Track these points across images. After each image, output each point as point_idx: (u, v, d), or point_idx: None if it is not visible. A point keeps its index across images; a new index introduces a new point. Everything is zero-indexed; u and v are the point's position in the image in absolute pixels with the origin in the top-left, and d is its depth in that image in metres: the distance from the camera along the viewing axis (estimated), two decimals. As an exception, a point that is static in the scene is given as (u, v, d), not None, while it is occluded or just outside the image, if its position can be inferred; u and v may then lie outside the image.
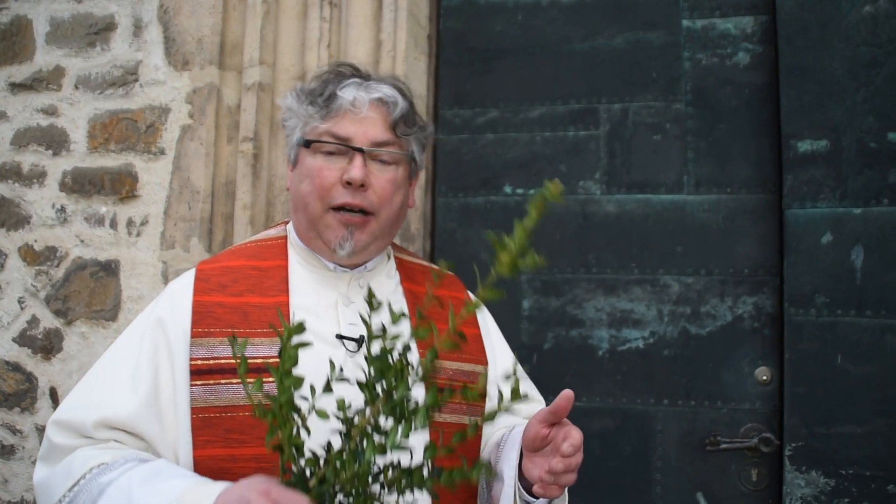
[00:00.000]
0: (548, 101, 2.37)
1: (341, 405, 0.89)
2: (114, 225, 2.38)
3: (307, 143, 1.33)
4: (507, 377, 1.30)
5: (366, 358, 0.88)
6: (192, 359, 1.24)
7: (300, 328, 0.86)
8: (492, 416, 0.91)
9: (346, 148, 1.31)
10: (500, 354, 1.49)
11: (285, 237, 1.43)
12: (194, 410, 1.21)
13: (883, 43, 2.05)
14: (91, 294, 2.38)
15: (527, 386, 1.55)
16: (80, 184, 2.42)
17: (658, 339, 2.22)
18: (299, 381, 0.86)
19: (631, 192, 2.28)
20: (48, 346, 2.41)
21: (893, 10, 2.05)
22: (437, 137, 2.44)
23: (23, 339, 2.44)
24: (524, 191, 2.36)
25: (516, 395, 0.89)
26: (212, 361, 1.24)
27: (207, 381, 1.23)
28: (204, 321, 1.27)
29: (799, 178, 2.08)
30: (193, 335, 1.25)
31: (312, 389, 0.89)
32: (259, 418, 0.87)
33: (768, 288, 2.15)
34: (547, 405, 1.20)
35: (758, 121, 2.20)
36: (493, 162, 2.39)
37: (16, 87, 2.52)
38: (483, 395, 1.40)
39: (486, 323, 1.52)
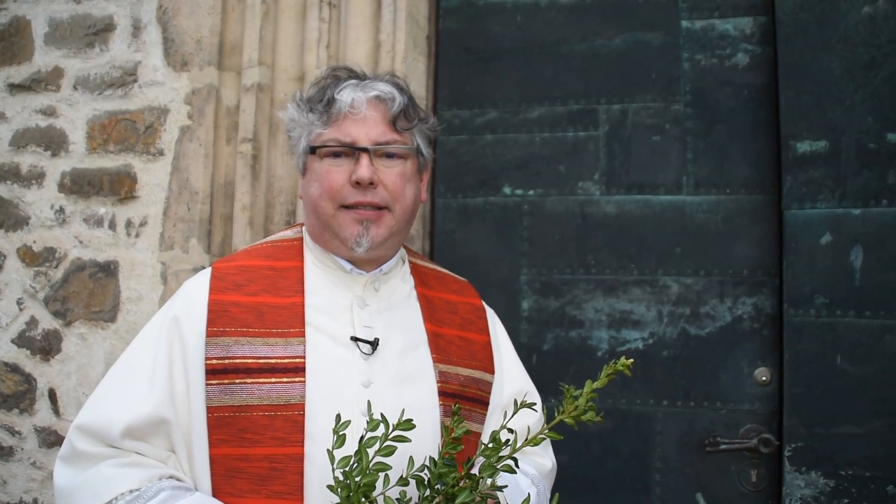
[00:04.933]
0: (547, 101, 2.37)
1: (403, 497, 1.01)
2: (113, 226, 2.38)
3: (312, 150, 1.36)
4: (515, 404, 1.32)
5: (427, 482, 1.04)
6: (207, 358, 1.26)
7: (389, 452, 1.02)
8: None
9: (351, 150, 1.33)
10: (507, 366, 1.50)
11: (301, 238, 1.45)
12: (210, 409, 1.23)
13: (881, 44, 2.05)
14: (90, 295, 2.37)
15: (526, 384, 1.54)
16: (79, 185, 2.42)
17: (657, 340, 2.22)
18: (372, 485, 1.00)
19: (630, 193, 2.28)
20: (47, 347, 2.41)
21: (892, 11, 2.05)
22: (438, 138, 2.44)
23: (21, 341, 2.43)
24: (523, 191, 2.36)
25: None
26: (227, 361, 1.26)
27: (223, 381, 1.25)
28: (219, 320, 1.29)
29: (798, 179, 2.08)
30: (208, 334, 1.28)
31: (387, 478, 1.01)
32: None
33: (767, 288, 2.15)
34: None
35: (757, 121, 2.20)
36: (492, 162, 2.39)
37: (14, 88, 2.51)
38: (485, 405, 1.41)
39: (496, 331, 1.53)
